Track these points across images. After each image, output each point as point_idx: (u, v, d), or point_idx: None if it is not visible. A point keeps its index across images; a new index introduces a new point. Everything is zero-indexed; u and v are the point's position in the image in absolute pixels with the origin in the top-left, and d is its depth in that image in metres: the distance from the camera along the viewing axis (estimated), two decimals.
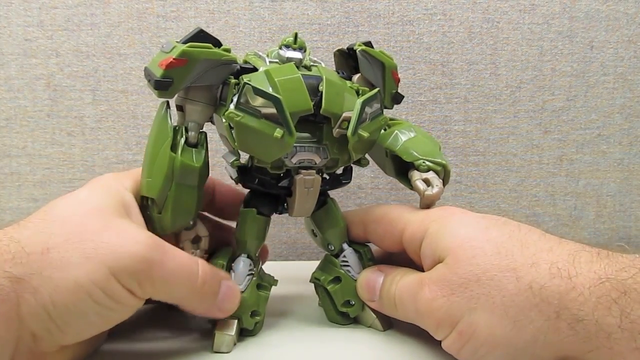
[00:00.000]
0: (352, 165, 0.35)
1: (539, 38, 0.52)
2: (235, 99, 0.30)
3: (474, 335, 0.27)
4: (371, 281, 0.34)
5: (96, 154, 0.52)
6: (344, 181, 0.35)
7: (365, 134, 0.32)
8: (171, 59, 0.29)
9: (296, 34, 0.33)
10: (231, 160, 0.32)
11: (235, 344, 0.32)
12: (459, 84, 0.52)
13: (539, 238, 0.28)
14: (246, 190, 0.35)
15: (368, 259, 0.36)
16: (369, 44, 0.35)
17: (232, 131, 0.30)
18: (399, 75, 0.37)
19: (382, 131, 0.35)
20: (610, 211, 0.56)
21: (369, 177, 0.53)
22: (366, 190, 0.53)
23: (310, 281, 0.36)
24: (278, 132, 0.29)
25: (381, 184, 0.53)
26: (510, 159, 0.54)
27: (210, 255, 0.34)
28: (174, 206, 0.30)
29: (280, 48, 0.33)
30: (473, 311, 0.27)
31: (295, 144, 0.31)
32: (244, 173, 0.33)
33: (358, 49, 0.34)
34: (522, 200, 0.55)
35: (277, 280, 0.35)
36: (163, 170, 0.30)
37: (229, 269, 0.33)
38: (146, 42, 0.51)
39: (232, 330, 0.32)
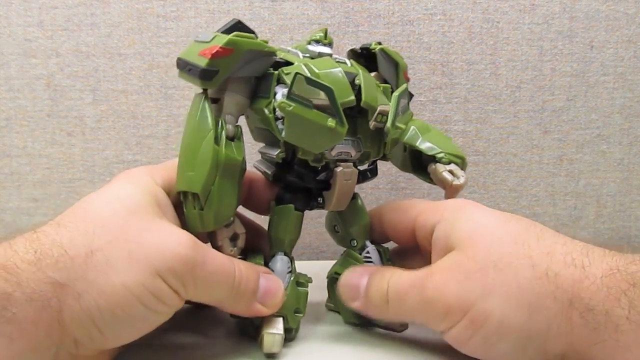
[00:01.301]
0: (376, 162, 0.36)
1: (539, 38, 0.52)
2: (285, 90, 0.30)
3: (486, 322, 0.27)
4: (354, 279, 0.33)
5: (96, 154, 0.52)
6: (370, 175, 0.36)
7: (403, 126, 0.33)
8: (218, 48, 0.28)
9: (326, 30, 0.34)
10: (276, 153, 0.31)
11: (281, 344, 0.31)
12: (459, 84, 0.52)
13: (554, 234, 0.29)
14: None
15: (387, 259, 0.36)
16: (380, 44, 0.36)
17: (280, 122, 0.30)
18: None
19: None
20: (610, 211, 0.56)
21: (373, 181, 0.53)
22: (366, 190, 0.53)
23: (327, 277, 0.36)
24: (331, 122, 0.30)
25: (381, 184, 0.53)
26: (510, 159, 0.54)
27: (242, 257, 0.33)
28: (218, 202, 0.29)
29: (309, 43, 0.33)
30: (488, 297, 0.27)
31: None
32: (281, 168, 0.33)
33: (377, 47, 0.35)
34: (522, 200, 0.55)
35: (311, 278, 0.34)
36: (207, 164, 0.29)
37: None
38: (146, 42, 0.51)
39: (280, 329, 0.31)
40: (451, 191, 0.34)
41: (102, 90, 0.51)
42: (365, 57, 0.36)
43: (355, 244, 0.36)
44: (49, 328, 0.24)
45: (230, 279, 0.29)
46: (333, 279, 0.35)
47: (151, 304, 0.26)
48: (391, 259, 0.36)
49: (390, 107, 0.32)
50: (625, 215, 0.56)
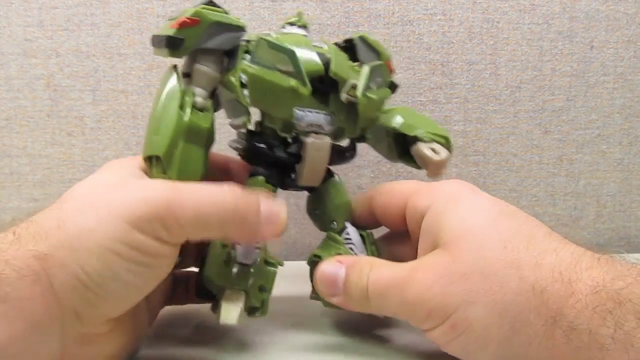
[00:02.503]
0: (355, 143, 0.36)
1: (539, 38, 0.52)
2: (249, 57, 0.31)
3: (467, 330, 0.27)
4: (331, 274, 0.31)
5: (96, 154, 0.52)
6: (348, 155, 0.36)
7: (375, 97, 0.32)
8: (184, 18, 0.29)
9: (300, 12, 0.34)
10: (242, 120, 0.31)
11: (240, 317, 0.30)
12: (459, 84, 0.52)
13: (545, 236, 0.28)
14: None
15: (371, 243, 0.35)
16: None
17: (245, 89, 0.30)
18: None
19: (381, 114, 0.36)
20: (610, 211, 0.56)
21: (369, 177, 0.53)
22: (365, 191, 0.53)
23: (307, 262, 0.35)
24: (293, 82, 0.30)
25: (381, 184, 0.53)
26: (510, 159, 0.54)
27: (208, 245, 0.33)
28: (180, 165, 0.29)
29: (283, 27, 0.34)
30: (470, 305, 0.27)
31: (303, 107, 0.31)
32: (250, 140, 0.33)
33: (356, 36, 0.35)
34: (522, 200, 0.55)
35: (282, 262, 0.33)
36: (170, 127, 0.29)
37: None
38: (146, 42, 0.51)
39: (240, 302, 0.30)
40: (432, 168, 0.34)
41: (102, 90, 0.51)
42: (349, 50, 0.35)
43: (335, 225, 0.35)
44: (45, 303, 0.24)
45: (222, 203, 0.27)
46: (313, 262, 0.34)
47: (133, 257, 0.25)
48: (377, 243, 0.35)
49: (361, 78, 0.32)
50: (625, 215, 0.56)
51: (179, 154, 0.29)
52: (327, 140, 0.33)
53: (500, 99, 0.53)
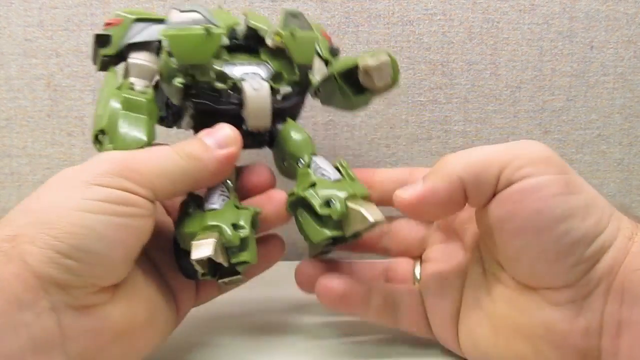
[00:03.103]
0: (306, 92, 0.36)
1: (539, 38, 0.52)
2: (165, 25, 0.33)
3: (580, 190, 0.27)
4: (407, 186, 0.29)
5: (96, 154, 0.52)
6: (301, 92, 0.35)
7: (299, 34, 0.34)
8: (108, 20, 0.34)
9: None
10: (177, 82, 0.32)
11: (215, 255, 0.27)
12: (459, 84, 0.52)
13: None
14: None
15: (350, 176, 0.33)
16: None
17: (170, 57, 0.32)
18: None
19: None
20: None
21: None
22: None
23: (288, 205, 0.32)
24: (204, 28, 0.31)
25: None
26: None
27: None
28: (125, 135, 0.31)
29: None
30: (580, 177, 0.28)
31: (235, 61, 0.33)
32: (188, 98, 0.33)
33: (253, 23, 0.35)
34: None
35: (260, 209, 0.32)
36: (109, 102, 0.31)
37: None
38: None
39: (213, 237, 0.28)
40: (376, 75, 0.33)
41: None
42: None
43: (303, 162, 0.33)
44: (22, 280, 0.23)
45: (176, 152, 0.29)
46: (293, 205, 0.32)
47: (105, 209, 0.25)
48: (350, 167, 0.33)
49: (279, 22, 0.34)
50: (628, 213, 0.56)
51: (121, 125, 0.31)
52: (265, 81, 0.33)
53: (500, 99, 0.53)
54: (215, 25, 0.32)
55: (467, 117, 0.53)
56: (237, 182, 0.34)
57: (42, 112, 0.52)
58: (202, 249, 0.27)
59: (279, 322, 0.36)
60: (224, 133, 0.30)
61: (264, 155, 0.37)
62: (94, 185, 0.26)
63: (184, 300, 0.33)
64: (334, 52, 0.37)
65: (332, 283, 0.32)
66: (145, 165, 0.28)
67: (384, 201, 0.34)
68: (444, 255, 0.34)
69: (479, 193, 0.28)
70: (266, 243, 0.34)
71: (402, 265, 0.36)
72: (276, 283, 0.35)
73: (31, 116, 0.52)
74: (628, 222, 0.27)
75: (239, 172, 0.35)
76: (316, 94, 0.37)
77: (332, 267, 0.34)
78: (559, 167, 0.27)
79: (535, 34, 0.52)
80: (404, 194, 0.29)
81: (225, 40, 0.33)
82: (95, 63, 0.35)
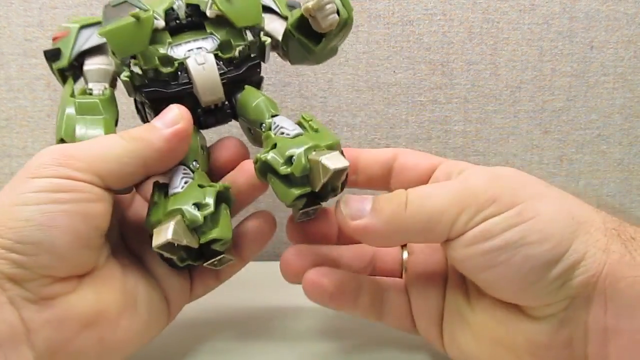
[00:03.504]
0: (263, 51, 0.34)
1: (539, 38, 0.52)
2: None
3: (534, 218, 0.26)
4: (358, 200, 0.28)
5: None
6: (254, 58, 0.34)
7: None
8: (55, 35, 0.34)
9: None
10: (124, 75, 0.32)
11: (178, 238, 0.27)
12: (459, 84, 0.52)
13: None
14: None
15: (314, 129, 0.31)
16: None
17: (112, 52, 0.32)
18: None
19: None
20: (610, 211, 0.56)
21: None
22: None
23: (257, 173, 0.31)
24: (132, 15, 0.30)
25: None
26: (510, 159, 0.54)
27: None
28: (80, 134, 0.30)
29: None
30: (542, 199, 0.27)
31: (181, 41, 0.32)
32: (139, 89, 0.33)
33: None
34: None
35: (229, 184, 0.31)
36: (64, 110, 0.31)
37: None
38: None
39: (173, 221, 0.27)
40: (319, 14, 0.31)
41: None
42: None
43: (264, 125, 0.32)
44: None
45: (116, 138, 0.29)
46: (261, 171, 0.30)
47: (48, 198, 0.26)
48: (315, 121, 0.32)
49: None
50: (625, 215, 0.56)
51: (79, 129, 0.31)
52: (209, 54, 0.32)
53: (500, 99, 0.53)
54: (141, 6, 0.32)
55: (467, 117, 0.53)
56: (208, 162, 0.34)
57: (42, 112, 0.52)
58: (161, 235, 0.27)
59: (275, 326, 0.36)
60: (171, 112, 0.30)
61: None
62: (33, 179, 0.26)
63: (175, 293, 0.32)
64: (293, 5, 0.35)
65: (321, 280, 0.30)
66: (86, 152, 0.28)
67: (371, 184, 0.34)
68: (428, 247, 0.33)
69: (429, 241, 0.29)
70: (255, 220, 0.33)
71: (390, 254, 0.34)
72: (275, 284, 0.35)
73: (31, 116, 0.52)
74: (601, 234, 0.26)
75: (210, 152, 0.34)
76: (284, 54, 0.35)
77: (320, 255, 0.32)
78: (509, 199, 0.26)
79: (535, 34, 0.52)
80: (350, 223, 0.28)
81: (161, 23, 0.32)
82: (57, 79, 0.35)
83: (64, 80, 0.34)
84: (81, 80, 0.35)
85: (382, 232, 0.27)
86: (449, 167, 0.31)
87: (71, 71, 0.34)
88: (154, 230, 0.28)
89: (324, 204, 0.31)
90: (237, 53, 0.33)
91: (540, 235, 0.25)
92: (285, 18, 0.35)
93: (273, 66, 0.51)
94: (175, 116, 0.30)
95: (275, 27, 0.35)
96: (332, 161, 0.27)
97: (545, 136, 0.54)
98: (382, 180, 0.34)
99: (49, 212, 0.25)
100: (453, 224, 0.26)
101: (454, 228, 0.26)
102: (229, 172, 0.33)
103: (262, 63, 0.35)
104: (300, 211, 0.30)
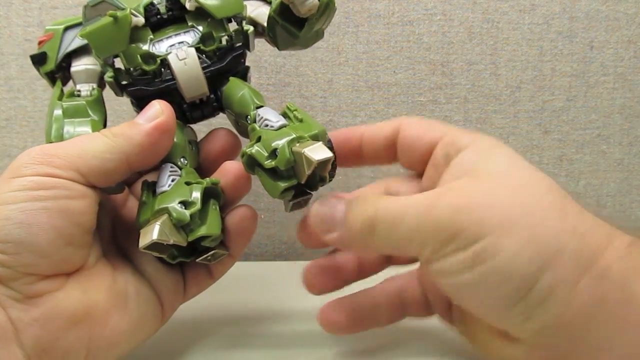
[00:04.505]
0: (247, 40, 0.34)
1: (539, 38, 0.52)
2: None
3: (493, 258, 0.24)
4: (329, 208, 0.28)
5: None
6: (237, 48, 0.33)
7: None
8: (41, 37, 0.34)
9: None
10: (108, 76, 0.32)
11: (165, 237, 0.27)
12: (459, 84, 0.52)
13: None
14: None
15: (298, 119, 0.30)
16: None
17: (95, 53, 0.32)
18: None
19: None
20: (610, 211, 0.56)
21: (368, 177, 0.53)
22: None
23: (244, 165, 0.30)
24: (109, 14, 0.30)
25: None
26: None
27: None
28: (68, 137, 0.31)
29: None
30: (506, 233, 0.24)
31: (160, 38, 0.32)
32: (124, 88, 0.33)
33: None
34: None
35: (216, 180, 0.31)
36: (52, 114, 0.32)
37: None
38: None
39: (159, 221, 0.27)
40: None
41: None
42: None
43: (250, 117, 0.31)
44: None
45: (97, 135, 0.29)
46: (248, 163, 0.30)
47: (21, 198, 0.26)
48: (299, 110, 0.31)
49: None
50: (625, 215, 0.56)
51: (67, 132, 0.31)
52: (191, 49, 0.32)
53: (500, 99, 0.53)
54: (118, 6, 0.31)
55: (467, 117, 0.53)
56: (198, 156, 0.33)
57: (42, 112, 0.52)
58: (147, 235, 0.27)
59: (280, 318, 0.36)
60: (152, 108, 0.30)
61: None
62: (13, 178, 0.26)
63: (168, 293, 0.32)
64: None
65: (335, 317, 0.32)
66: (66, 149, 0.28)
67: (378, 160, 0.34)
68: None
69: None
70: (234, 215, 0.32)
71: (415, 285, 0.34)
72: (275, 284, 0.35)
73: (31, 116, 0.52)
74: (573, 266, 0.24)
75: (201, 146, 0.34)
76: (271, 40, 0.35)
77: (356, 305, 0.33)
78: (471, 234, 0.25)
79: (535, 34, 0.52)
80: (323, 236, 0.28)
81: (140, 20, 0.32)
82: (47, 81, 0.35)
83: (53, 82, 0.35)
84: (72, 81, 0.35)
85: (356, 249, 0.29)
86: (447, 145, 0.30)
87: (60, 73, 0.34)
88: (141, 231, 0.28)
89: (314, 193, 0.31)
90: (219, 44, 0.33)
91: (500, 277, 0.24)
92: (270, 3, 0.34)
93: (273, 66, 0.51)
94: (157, 111, 0.30)
95: (261, 12, 0.34)
96: (316, 153, 0.26)
97: (545, 136, 0.54)
98: (388, 155, 0.33)
99: (29, 210, 0.25)
100: (419, 254, 0.26)
101: (421, 257, 0.26)
102: (221, 164, 0.33)
103: (247, 52, 0.34)
104: (291, 202, 0.30)
